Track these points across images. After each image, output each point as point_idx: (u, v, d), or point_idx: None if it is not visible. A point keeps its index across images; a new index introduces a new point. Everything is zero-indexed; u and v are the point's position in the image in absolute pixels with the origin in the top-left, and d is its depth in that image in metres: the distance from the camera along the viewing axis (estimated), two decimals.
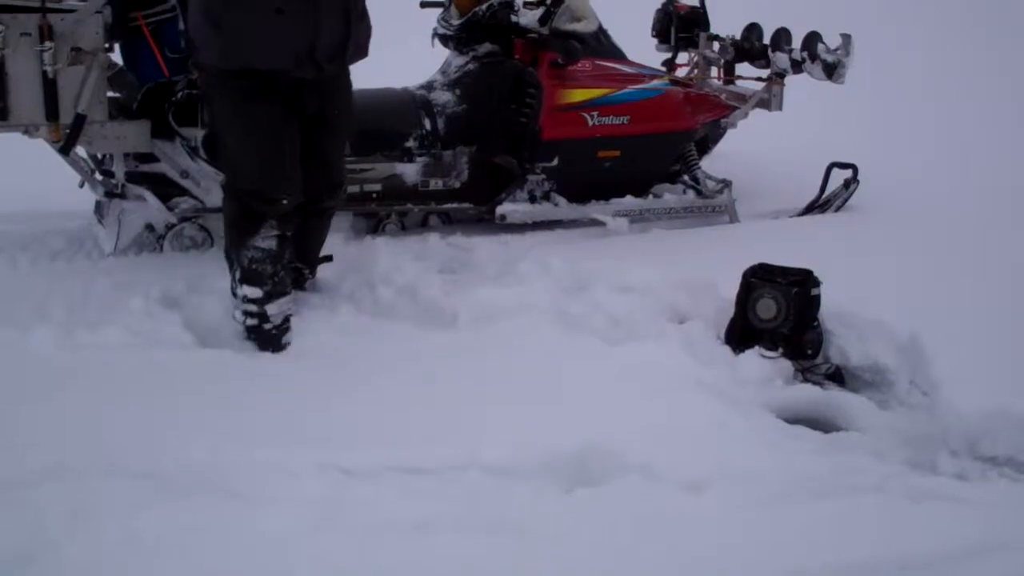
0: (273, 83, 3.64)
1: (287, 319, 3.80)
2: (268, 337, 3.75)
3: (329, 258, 4.25)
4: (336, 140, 3.98)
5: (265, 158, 3.70)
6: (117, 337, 3.65)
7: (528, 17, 5.16)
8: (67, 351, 3.54)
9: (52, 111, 4.13)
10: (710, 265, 4.39)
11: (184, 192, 4.56)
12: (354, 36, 3.73)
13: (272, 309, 3.76)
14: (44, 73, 4.07)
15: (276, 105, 3.66)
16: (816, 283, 3.92)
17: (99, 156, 4.59)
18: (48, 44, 4.04)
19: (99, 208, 4.70)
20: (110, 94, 4.42)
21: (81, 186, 4.68)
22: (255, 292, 3.75)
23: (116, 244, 4.51)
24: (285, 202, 3.74)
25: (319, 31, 3.59)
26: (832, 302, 3.93)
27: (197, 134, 4.47)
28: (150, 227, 4.60)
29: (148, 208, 4.53)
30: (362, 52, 3.86)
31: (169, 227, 4.61)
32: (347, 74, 3.95)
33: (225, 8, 3.55)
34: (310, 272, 4.18)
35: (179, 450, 2.89)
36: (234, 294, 3.82)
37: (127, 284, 4.06)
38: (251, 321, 3.77)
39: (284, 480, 2.80)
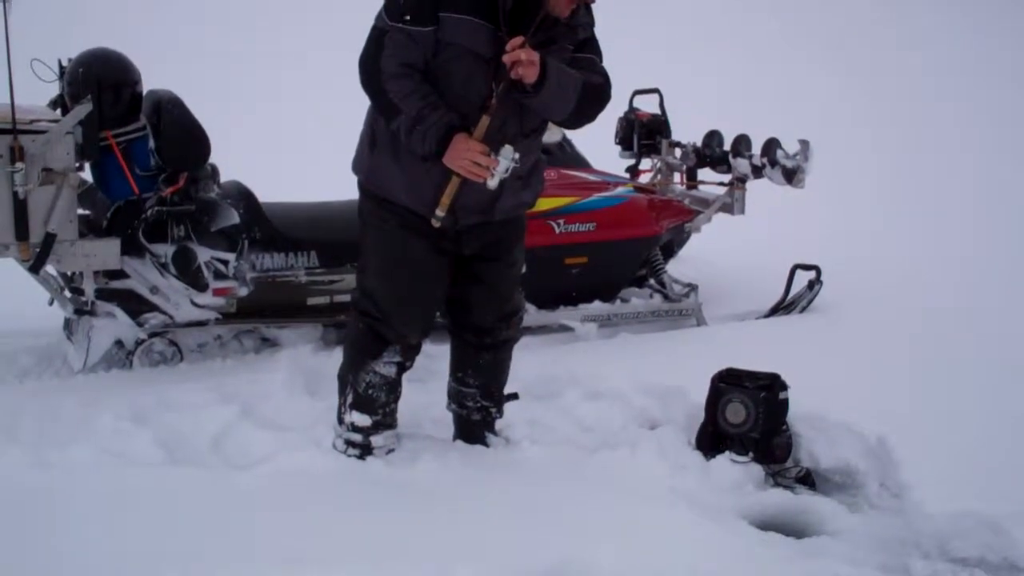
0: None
1: (390, 453, 3.69)
2: None
3: (515, 395, 3.98)
4: (505, 271, 3.70)
5: (398, 294, 3.54)
6: (87, 456, 3.61)
7: None
8: (37, 470, 3.51)
9: (22, 231, 4.16)
10: (679, 370, 4.42)
11: (154, 308, 4.57)
12: (508, 197, 3.46)
13: (378, 441, 3.65)
14: (15, 194, 4.11)
15: (424, 240, 3.46)
16: (784, 387, 3.96)
17: (69, 274, 4.60)
18: (20, 165, 4.08)
19: (68, 325, 4.70)
20: (80, 212, 4.45)
21: (51, 304, 4.69)
22: (364, 420, 3.63)
23: (85, 361, 4.49)
24: (412, 341, 3.62)
25: (460, 189, 3.33)
26: (800, 405, 3.96)
27: (167, 250, 4.51)
28: (119, 343, 4.61)
29: (117, 324, 4.53)
30: (521, 207, 3.62)
31: (139, 343, 4.60)
32: (517, 220, 3.67)
33: (383, 134, 3.42)
34: (498, 412, 3.91)
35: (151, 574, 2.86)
36: (340, 420, 3.69)
37: (96, 401, 4.03)
38: (353, 451, 3.65)
39: None
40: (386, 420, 3.69)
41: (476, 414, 3.87)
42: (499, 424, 3.93)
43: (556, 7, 3.24)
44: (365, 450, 3.66)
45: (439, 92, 3.30)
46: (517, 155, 3.25)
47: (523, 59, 3.13)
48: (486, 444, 3.86)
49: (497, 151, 3.23)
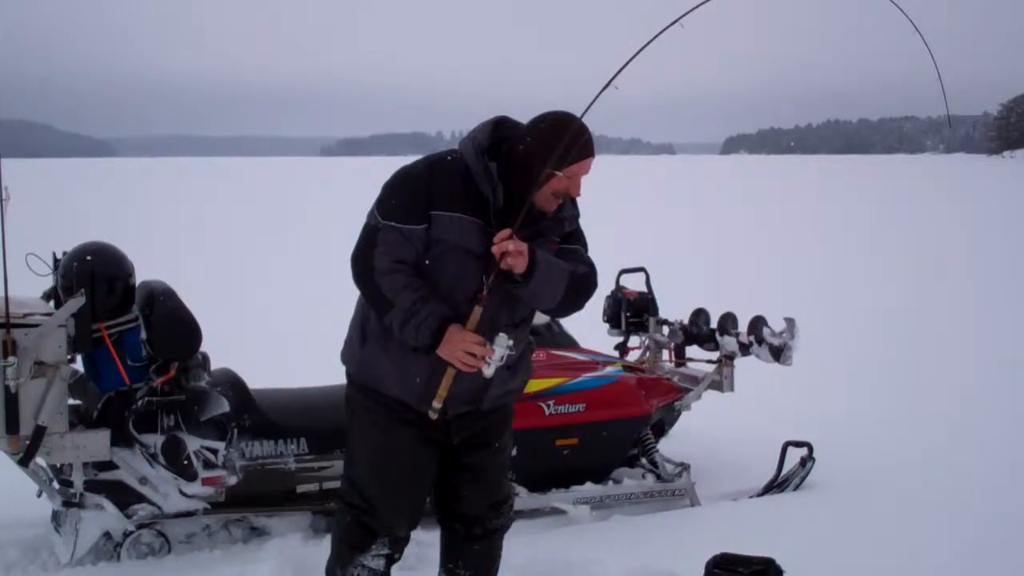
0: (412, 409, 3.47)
1: None
2: None
3: None
4: (493, 458, 3.69)
5: (385, 487, 3.53)
6: None
7: None
8: None
9: (12, 424, 4.16)
10: (673, 554, 4.39)
11: (142, 498, 4.53)
12: (497, 386, 3.48)
13: None
14: (6, 388, 4.12)
15: (412, 432, 3.48)
16: (779, 571, 3.91)
17: (57, 464, 4.57)
18: (12, 359, 4.11)
19: (56, 517, 4.65)
20: (70, 402, 4.46)
21: (39, 496, 4.65)
22: None
23: (72, 554, 4.43)
24: (401, 533, 3.60)
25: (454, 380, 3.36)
26: None
27: (156, 440, 4.50)
28: (107, 535, 4.54)
29: (106, 516, 4.48)
30: (509, 395, 3.64)
31: (127, 535, 4.55)
32: (504, 407, 3.69)
33: (373, 328, 3.47)
34: None
35: None
36: None
37: None
38: None
39: None
40: None
41: None
42: None
43: (542, 203, 3.35)
44: None
45: (431, 285, 3.36)
46: (511, 342, 3.30)
47: (512, 250, 3.21)
48: None
49: (491, 340, 3.28)
